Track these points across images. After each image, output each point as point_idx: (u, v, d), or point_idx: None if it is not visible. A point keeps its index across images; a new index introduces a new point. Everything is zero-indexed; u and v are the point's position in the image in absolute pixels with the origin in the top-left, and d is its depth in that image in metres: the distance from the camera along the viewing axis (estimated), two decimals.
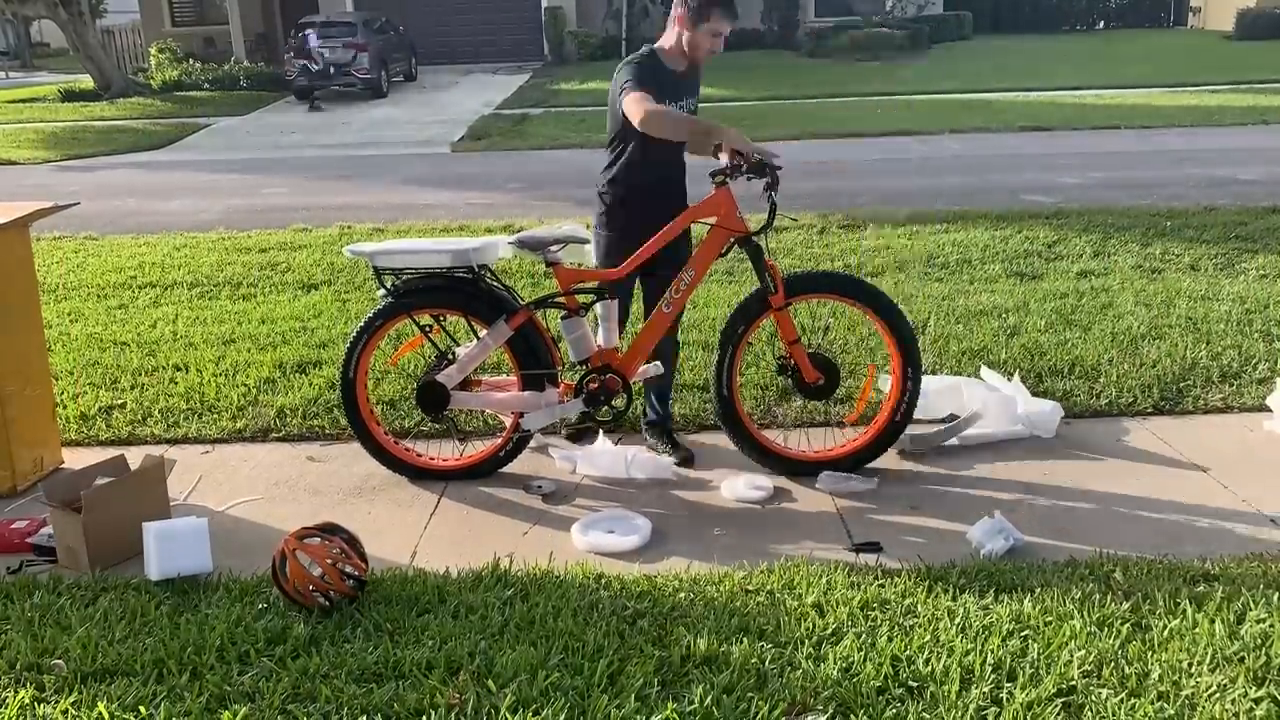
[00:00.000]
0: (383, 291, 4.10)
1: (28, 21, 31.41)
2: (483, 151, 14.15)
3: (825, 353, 4.19)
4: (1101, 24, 31.29)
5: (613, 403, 4.14)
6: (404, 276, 4.11)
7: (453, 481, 4.18)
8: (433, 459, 4.27)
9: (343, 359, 4.14)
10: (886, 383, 4.32)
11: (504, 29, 25.31)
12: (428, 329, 4.17)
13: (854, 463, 4.16)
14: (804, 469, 4.16)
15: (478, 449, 4.31)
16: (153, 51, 23.96)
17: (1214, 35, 26.05)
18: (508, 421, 4.24)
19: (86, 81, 21.42)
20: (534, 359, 4.08)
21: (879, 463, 4.20)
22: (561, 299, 4.08)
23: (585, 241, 4.18)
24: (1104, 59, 21.88)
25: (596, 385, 4.09)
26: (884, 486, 4.04)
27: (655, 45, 4.17)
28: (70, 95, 20.79)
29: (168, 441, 4.65)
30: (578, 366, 4.15)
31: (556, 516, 3.91)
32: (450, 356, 4.15)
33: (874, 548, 3.58)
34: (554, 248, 4.03)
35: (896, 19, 24.27)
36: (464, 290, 4.08)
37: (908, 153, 12.41)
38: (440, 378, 4.09)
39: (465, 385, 4.16)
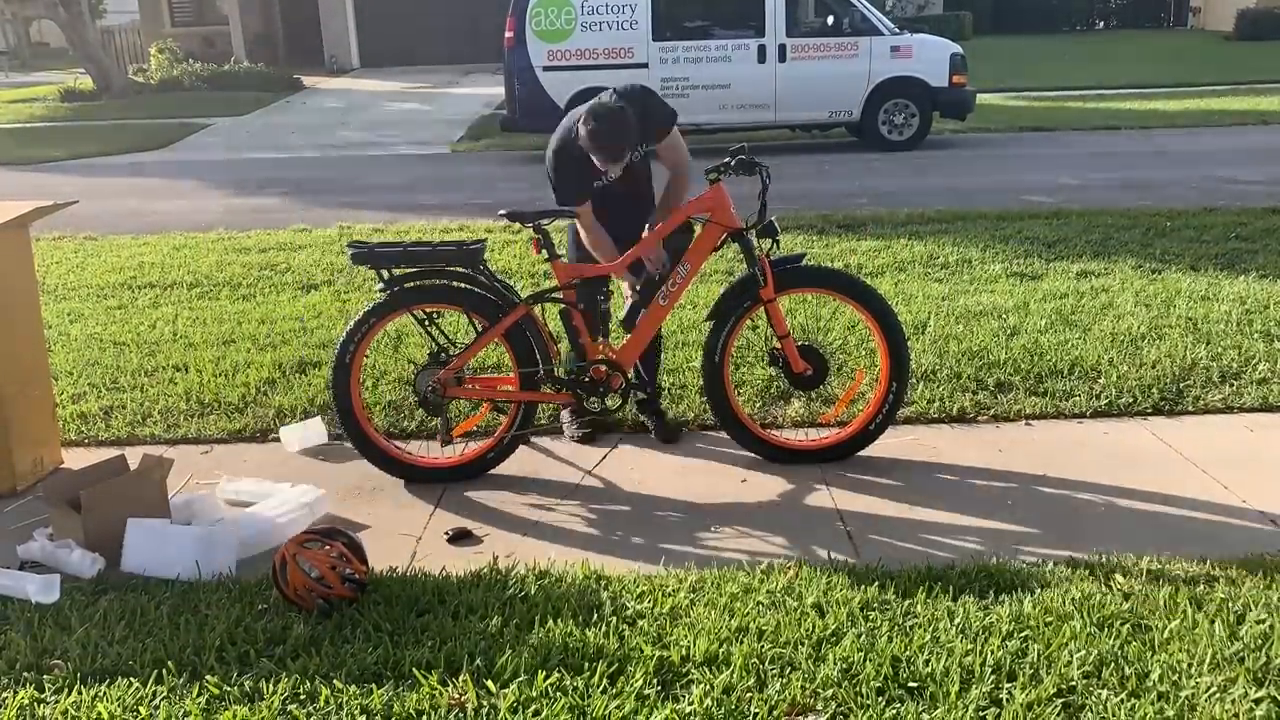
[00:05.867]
0: (381, 285, 4.11)
1: (28, 21, 31.39)
2: (482, 151, 14.15)
3: (816, 345, 4.25)
4: (1101, 24, 31.31)
5: (610, 397, 4.18)
6: (401, 271, 4.12)
7: (440, 481, 4.18)
8: (423, 458, 4.28)
9: (337, 352, 4.13)
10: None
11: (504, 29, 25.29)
12: (426, 324, 4.18)
13: (823, 457, 4.23)
14: (775, 454, 4.25)
15: (470, 448, 4.31)
16: (152, 51, 23.91)
17: (1214, 35, 26.06)
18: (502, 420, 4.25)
19: (86, 81, 21.39)
20: (532, 354, 4.10)
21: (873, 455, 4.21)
22: (559, 294, 4.12)
23: (574, 216, 4.29)
24: (1104, 59, 21.89)
25: (590, 379, 4.13)
26: (884, 484, 4.04)
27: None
28: (70, 95, 20.75)
29: (167, 442, 4.65)
30: (576, 361, 4.18)
31: (556, 517, 3.91)
32: (446, 353, 4.16)
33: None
34: (543, 220, 4.09)
35: (896, 19, 24.30)
36: (462, 286, 4.10)
37: (907, 152, 12.39)
38: None
39: (459, 381, 4.18)
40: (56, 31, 25.54)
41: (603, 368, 4.16)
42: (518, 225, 8.50)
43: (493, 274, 4.15)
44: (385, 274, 4.08)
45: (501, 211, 4.21)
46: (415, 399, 4.23)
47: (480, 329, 4.15)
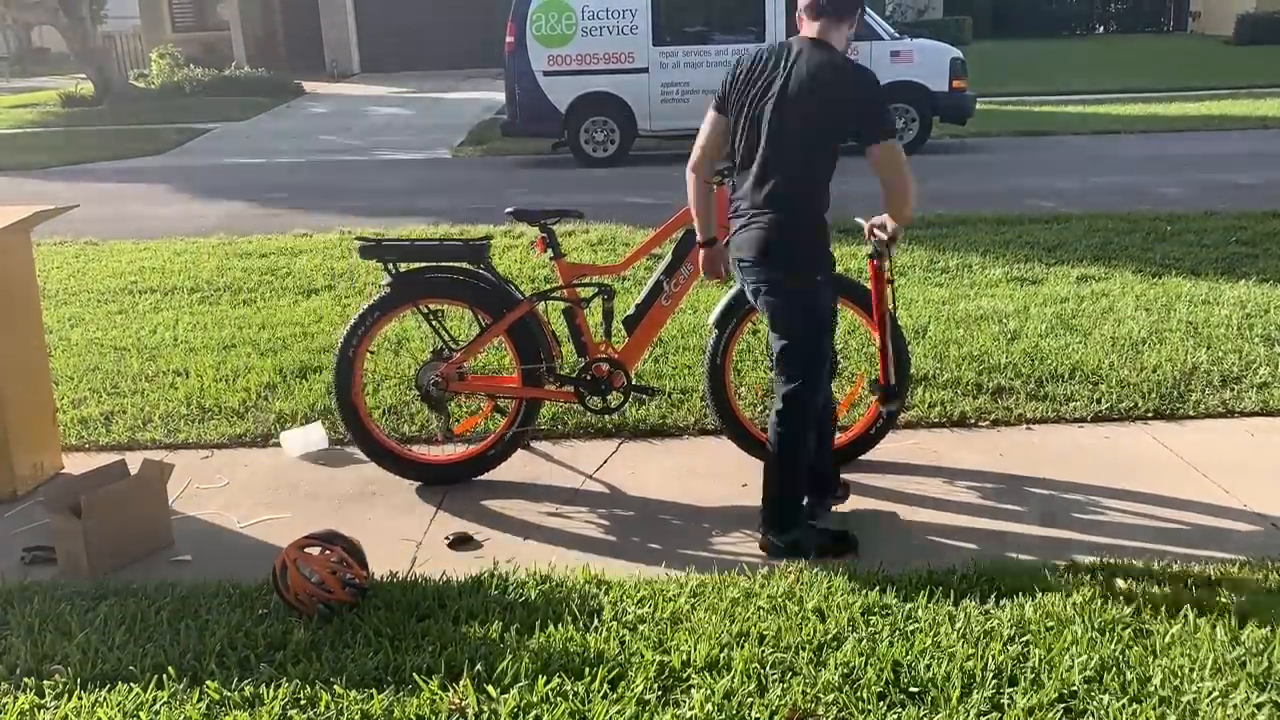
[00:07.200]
0: (387, 280, 4.11)
1: (28, 27, 31.42)
2: (483, 156, 14.16)
3: None
4: (1101, 28, 31.36)
5: (610, 395, 4.20)
6: (408, 266, 4.13)
7: (440, 479, 4.19)
8: (423, 454, 4.28)
9: (339, 346, 4.12)
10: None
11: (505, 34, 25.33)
12: (431, 319, 4.19)
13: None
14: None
15: (472, 445, 4.31)
16: (153, 57, 23.93)
17: (1214, 40, 26.10)
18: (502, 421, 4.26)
19: (87, 87, 21.41)
20: (535, 352, 4.11)
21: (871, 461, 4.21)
22: (563, 292, 4.13)
23: (579, 216, 4.30)
24: (1104, 64, 21.91)
25: (593, 378, 4.15)
26: (884, 488, 4.05)
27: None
28: (70, 100, 20.76)
29: (167, 447, 4.65)
30: (578, 360, 4.20)
31: (557, 522, 3.91)
32: (449, 349, 4.17)
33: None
34: (549, 220, 4.12)
35: (896, 23, 24.37)
36: (468, 281, 4.11)
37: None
38: None
39: (462, 377, 4.19)
40: (57, 37, 25.52)
41: (605, 366, 4.16)
42: (519, 230, 8.56)
43: (497, 272, 4.16)
44: (392, 268, 4.09)
45: (508, 210, 4.24)
46: (418, 393, 4.24)
47: (484, 325, 4.17)
